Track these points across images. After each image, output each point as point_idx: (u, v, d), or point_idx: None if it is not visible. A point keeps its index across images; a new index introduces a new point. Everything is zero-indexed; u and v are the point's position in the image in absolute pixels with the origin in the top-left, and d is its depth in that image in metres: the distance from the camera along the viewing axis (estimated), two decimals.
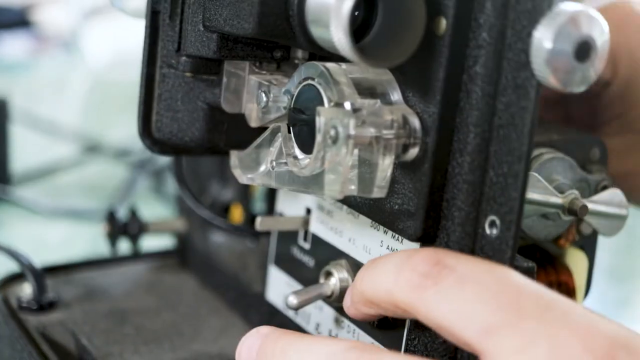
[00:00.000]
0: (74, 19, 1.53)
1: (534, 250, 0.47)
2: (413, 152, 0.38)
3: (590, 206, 0.43)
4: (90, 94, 1.35)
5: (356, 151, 0.37)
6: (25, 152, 0.96)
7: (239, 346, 0.39)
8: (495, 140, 0.37)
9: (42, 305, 0.55)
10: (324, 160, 0.37)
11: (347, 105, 0.37)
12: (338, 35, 0.35)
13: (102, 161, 0.98)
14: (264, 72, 0.44)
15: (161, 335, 0.53)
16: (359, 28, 0.36)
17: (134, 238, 0.62)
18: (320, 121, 0.36)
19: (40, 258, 0.58)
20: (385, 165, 0.38)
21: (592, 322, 0.33)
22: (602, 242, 0.60)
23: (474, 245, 0.38)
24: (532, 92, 0.35)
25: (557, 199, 0.43)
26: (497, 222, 0.37)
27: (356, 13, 0.36)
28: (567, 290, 0.47)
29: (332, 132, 0.36)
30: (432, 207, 0.38)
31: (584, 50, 0.33)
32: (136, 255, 0.63)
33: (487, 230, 0.37)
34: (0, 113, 0.89)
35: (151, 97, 0.46)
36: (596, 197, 0.44)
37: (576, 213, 0.43)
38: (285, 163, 0.41)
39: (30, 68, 1.39)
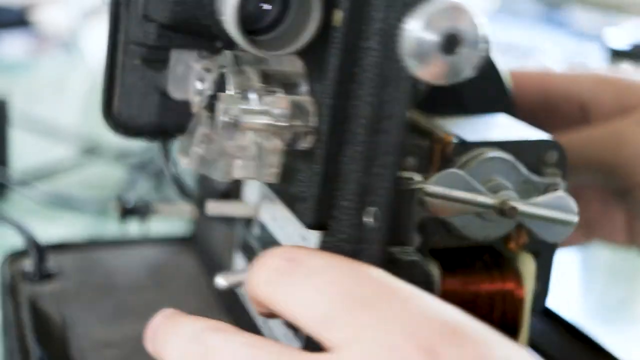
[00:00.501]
0: (74, 19, 1.53)
1: (484, 252, 0.47)
2: (308, 140, 0.39)
3: (526, 208, 0.43)
4: (90, 94, 1.35)
5: (252, 137, 0.39)
6: (25, 152, 0.96)
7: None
8: (379, 132, 0.37)
9: (41, 276, 0.58)
10: (220, 144, 0.40)
11: (248, 94, 0.39)
12: (228, 23, 0.37)
13: (101, 162, 0.98)
14: (206, 60, 0.46)
15: (137, 311, 0.55)
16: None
17: (143, 216, 0.64)
18: (218, 107, 0.39)
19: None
20: (277, 152, 0.40)
21: (425, 311, 0.33)
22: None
23: (360, 235, 0.38)
24: (402, 84, 0.35)
25: (485, 199, 0.43)
26: (376, 213, 0.38)
27: (266, 7, 0.39)
28: (512, 297, 0.46)
29: (226, 118, 0.38)
30: (325, 195, 0.39)
31: (452, 42, 0.33)
32: (146, 240, 0.66)
33: (368, 221, 0.38)
34: (0, 113, 0.89)
35: (113, 82, 0.48)
36: (538, 200, 0.44)
37: (506, 214, 0.43)
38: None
39: (30, 68, 1.39)
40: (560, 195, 0.44)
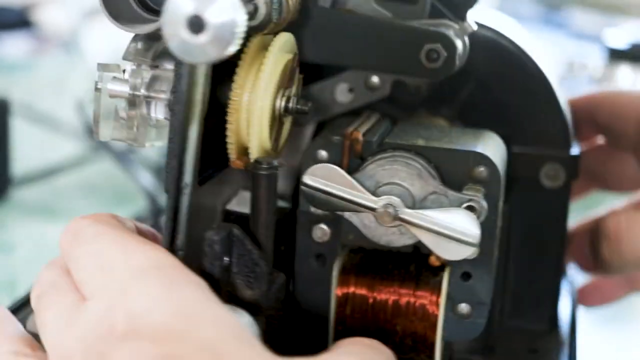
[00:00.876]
0: (74, 19, 1.53)
1: (413, 262, 0.46)
2: (163, 111, 0.42)
3: (410, 218, 0.43)
4: (90, 93, 1.34)
5: (123, 105, 0.43)
6: (26, 152, 0.96)
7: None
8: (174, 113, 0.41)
9: None
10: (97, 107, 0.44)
11: (142, 67, 0.43)
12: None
13: (103, 161, 0.98)
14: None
15: None
16: None
17: None
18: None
19: (40, 258, 0.58)
20: (139, 118, 0.43)
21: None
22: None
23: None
24: (176, 65, 0.39)
25: (362, 199, 0.43)
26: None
27: None
28: (423, 311, 0.45)
29: (98, 85, 0.43)
30: (176, 165, 0.41)
31: (196, 24, 0.35)
32: None
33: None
34: (1, 113, 0.89)
35: None
36: (428, 212, 0.42)
37: (382, 218, 0.43)
38: None
39: (30, 68, 1.39)
40: (460, 212, 0.42)
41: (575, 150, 0.53)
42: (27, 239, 0.80)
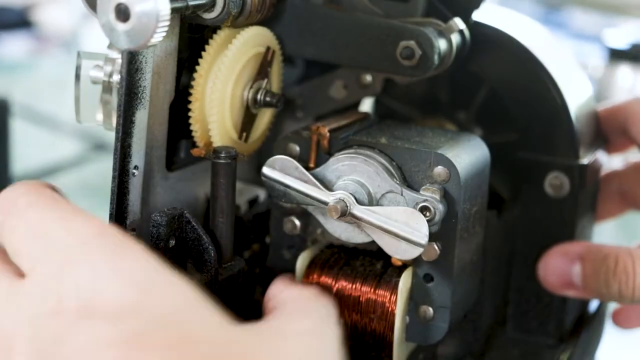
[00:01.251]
0: (74, 19, 1.53)
1: (380, 260, 0.46)
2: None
3: (359, 214, 0.42)
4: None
5: (100, 89, 0.44)
6: (26, 152, 0.96)
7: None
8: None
9: None
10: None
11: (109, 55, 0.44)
12: None
13: (103, 162, 0.98)
14: None
15: None
16: None
17: None
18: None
19: None
20: (111, 103, 0.45)
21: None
22: (599, 234, 0.61)
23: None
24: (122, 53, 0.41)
25: (314, 192, 0.43)
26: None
27: None
28: (382, 308, 0.45)
29: (78, 71, 0.45)
30: (119, 148, 0.42)
31: (122, 12, 0.38)
32: None
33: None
34: (1, 113, 0.89)
35: None
36: (377, 209, 0.42)
37: (331, 213, 0.43)
38: None
39: (30, 68, 1.40)
40: (410, 212, 0.42)
41: (584, 160, 0.51)
42: None
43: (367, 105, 0.57)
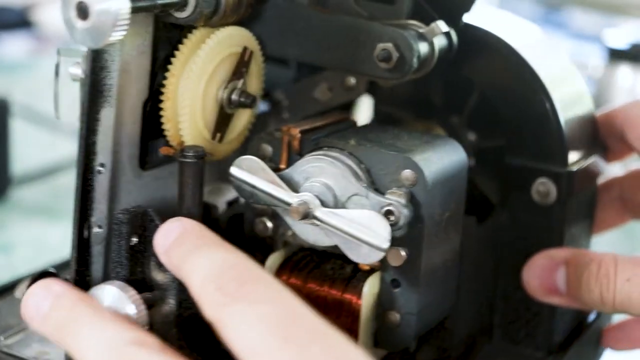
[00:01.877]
0: None
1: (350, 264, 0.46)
2: None
3: (322, 216, 0.42)
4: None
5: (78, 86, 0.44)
6: (26, 152, 0.96)
7: (26, 297, 0.39)
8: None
9: None
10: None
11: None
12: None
13: None
14: None
15: None
16: None
17: None
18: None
19: (41, 258, 0.58)
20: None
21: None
22: (603, 244, 0.60)
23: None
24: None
25: (279, 193, 0.43)
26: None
27: None
28: (347, 314, 0.45)
29: (57, 68, 0.45)
30: (83, 145, 0.43)
31: (82, 10, 0.38)
32: None
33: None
34: (1, 113, 0.89)
35: None
36: (340, 212, 0.42)
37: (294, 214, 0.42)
38: None
39: (30, 68, 1.39)
40: (372, 216, 0.41)
41: (573, 167, 0.50)
42: (27, 239, 0.80)
43: (367, 109, 0.57)
